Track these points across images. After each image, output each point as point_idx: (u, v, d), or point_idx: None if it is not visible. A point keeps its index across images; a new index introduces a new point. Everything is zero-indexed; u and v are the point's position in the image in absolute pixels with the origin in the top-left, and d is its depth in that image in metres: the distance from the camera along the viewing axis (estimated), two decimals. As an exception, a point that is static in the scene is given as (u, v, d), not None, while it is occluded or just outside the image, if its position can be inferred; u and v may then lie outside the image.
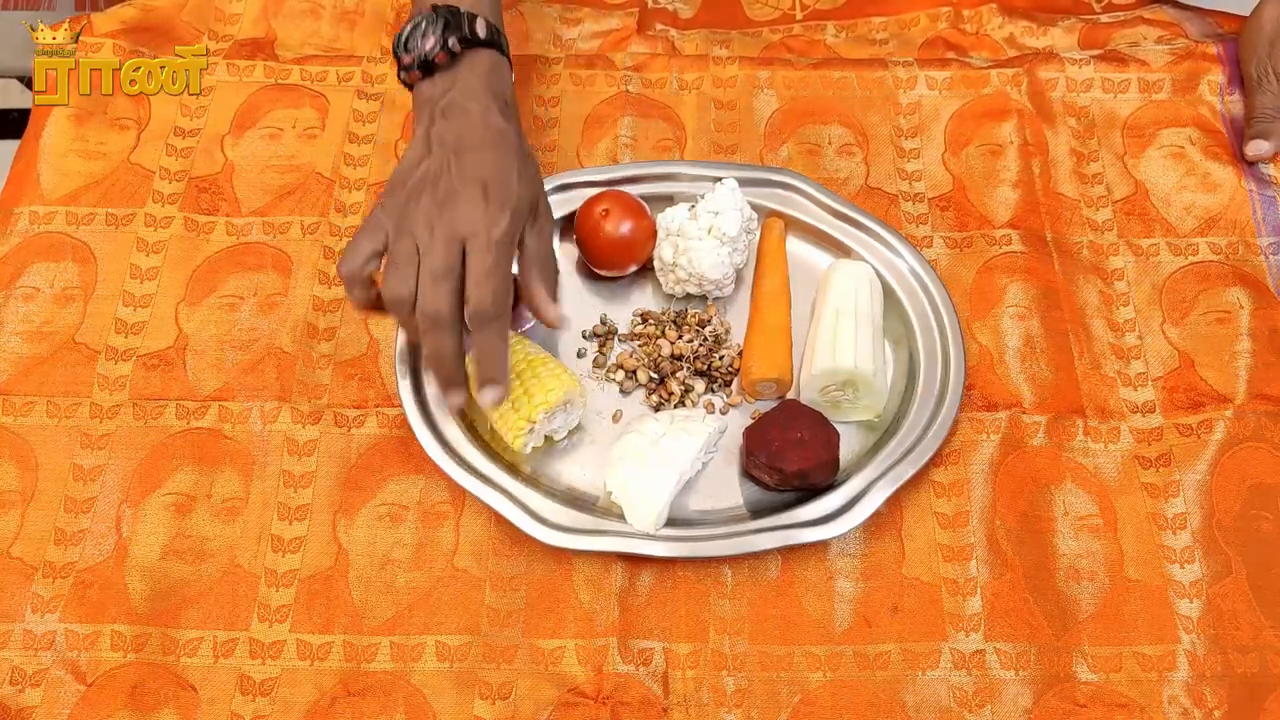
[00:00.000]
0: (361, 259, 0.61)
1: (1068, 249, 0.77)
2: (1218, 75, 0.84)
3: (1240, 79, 0.83)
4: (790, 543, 0.64)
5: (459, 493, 0.67)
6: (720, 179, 0.75)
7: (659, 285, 0.75)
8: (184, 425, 0.70)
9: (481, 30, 0.67)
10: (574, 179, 0.78)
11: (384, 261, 0.62)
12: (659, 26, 0.91)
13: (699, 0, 0.92)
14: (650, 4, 0.92)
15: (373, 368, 0.72)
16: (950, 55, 0.88)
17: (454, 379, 0.61)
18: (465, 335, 0.61)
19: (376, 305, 0.63)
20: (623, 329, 0.75)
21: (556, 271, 0.68)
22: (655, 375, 0.72)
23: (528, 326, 0.73)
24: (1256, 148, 0.78)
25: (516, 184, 0.62)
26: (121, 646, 0.62)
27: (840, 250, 0.76)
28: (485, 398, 0.61)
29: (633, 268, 0.75)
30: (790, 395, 0.71)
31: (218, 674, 0.62)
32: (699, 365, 0.72)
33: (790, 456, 0.64)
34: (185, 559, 0.65)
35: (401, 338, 0.70)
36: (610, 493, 0.65)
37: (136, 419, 0.70)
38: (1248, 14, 0.84)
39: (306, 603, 0.64)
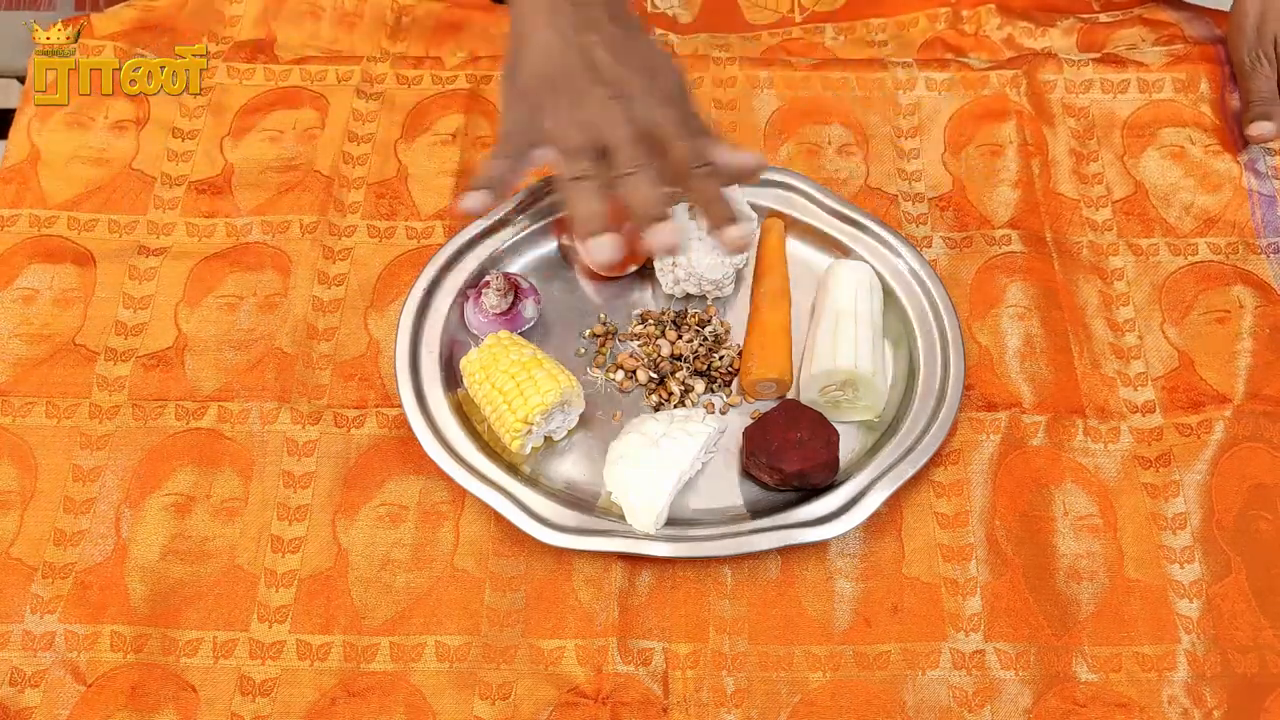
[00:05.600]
0: (524, 152, 0.61)
1: (1068, 249, 0.77)
2: (1218, 75, 0.84)
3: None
4: (790, 543, 0.64)
5: (459, 493, 0.67)
6: (720, 179, 0.75)
7: (659, 285, 0.75)
8: (183, 426, 0.70)
9: None
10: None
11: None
12: (658, 31, 0.91)
13: (698, 4, 0.92)
14: (649, 8, 0.92)
15: (373, 368, 0.72)
16: (949, 56, 0.89)
17: (659, 216, 0.59)
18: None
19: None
20: (623, 329, 0.75)
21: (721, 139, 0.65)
22: (655, 375, 0.72)
23: (526, 327, 0.73)
24: (1260, 128, 0.79)
25: (672, 68, 0.62)
26: (121, 647, 0.62)
27: (840, 250, 0.76)
28: (732, 234, 0.59)
29: (633, 268, 0.75)
30: (790, 395, 0.71)
31: (217, 674, 0.62)
32: (699, 365, 0.72)
33: (790, 456, 0.64)
34: (185, 559, 0.65)
35: (403, 338, 0.70)
36: (610, 493, 0.65)
37: (136, 420, 0.70)
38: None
39: (306, 603, 0.64)
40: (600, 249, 0.57)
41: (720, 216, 0.59)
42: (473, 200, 0.60)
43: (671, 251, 0.59)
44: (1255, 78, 0.81)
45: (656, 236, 0.57)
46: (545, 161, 0.61)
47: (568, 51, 0.60)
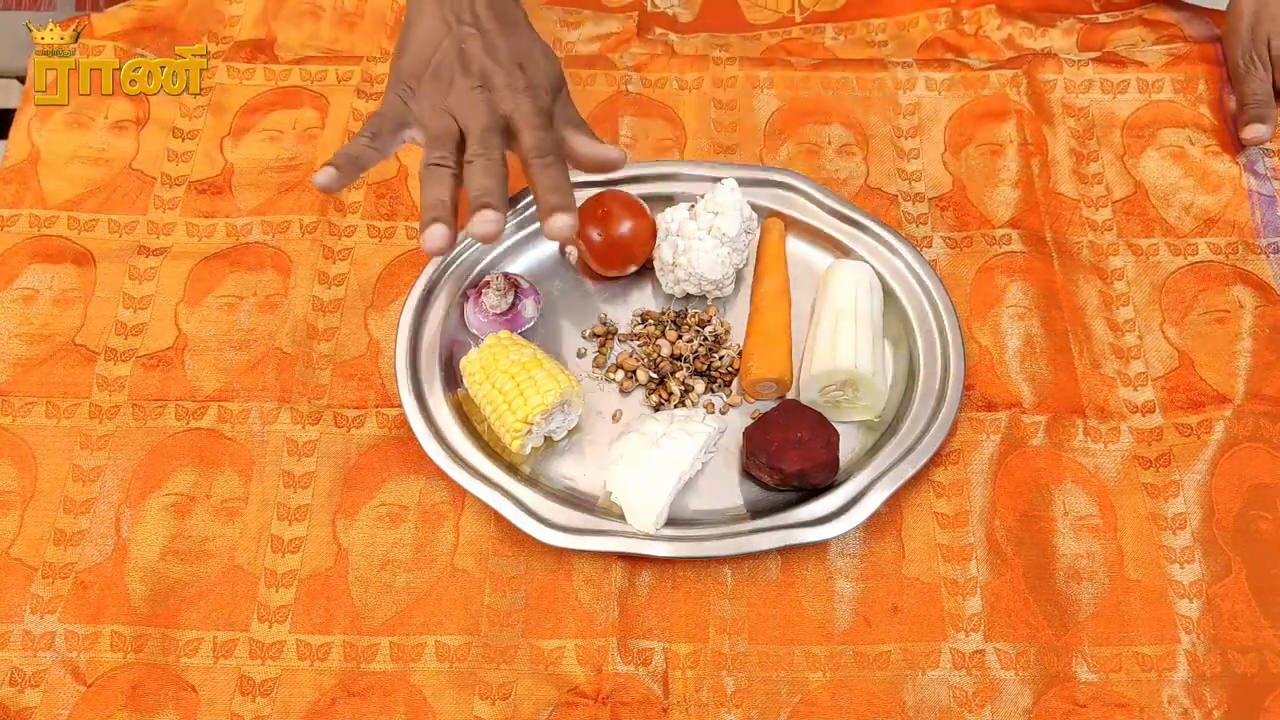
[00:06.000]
0: (388, 133, 0.62)
1: (1067, 249, 0.77)
2: (1217, 75, 0.84)
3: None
4: (790, 543, 0.64)
5: (459, 493, 0.67)
6: (720, 179, 0.75)
7: (659, 285, 0.75)
8: (183, 426, 0.70)
9: None
10: (574, 179, 0.77)
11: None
12: (658, 31, 0.91)
13: (698, 4, 0.92)
14: (649, 8, 0.92)
15: (372, 368, 0.72)
16: (949, 56, 0.89)
17: (500, 210, 0.60)
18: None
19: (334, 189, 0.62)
20: (623, 329, 0.75)
21: (590, 131, 0.67)
22: (655, 375, 0.72)
23: (526, 327, 0.73)
24: (1254, 131, 0.79)
25: (544, 60, 0.64)
26: (121, 647, 0.62)
27: (840, 250, 0.76)
28: (559, 223, 0.59)
29: (633, 268, 0.75)
30: (790, 395, 0.71)
31: (217, 674, 0.62)
32: (699, 365, 0.72)
33: (790, 456, 0.64)
34: (185, 559, 0.65)
35: (403, 338, 0.70)
36: (610, 493, 0.65)
37: (136, 420, 0.70)
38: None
39: (306, 603, 0.64)
40: (431, 237, 0.59)
41: (549, 205, 0.60)
42: (322, 176, 0.61)
43: (486, 239, 0.60)
44: (1250, 80, 0.81)
45: (474, 223, 0.59)
46: (412, 142, 0.64)
47: (444, 40, 0.63)
